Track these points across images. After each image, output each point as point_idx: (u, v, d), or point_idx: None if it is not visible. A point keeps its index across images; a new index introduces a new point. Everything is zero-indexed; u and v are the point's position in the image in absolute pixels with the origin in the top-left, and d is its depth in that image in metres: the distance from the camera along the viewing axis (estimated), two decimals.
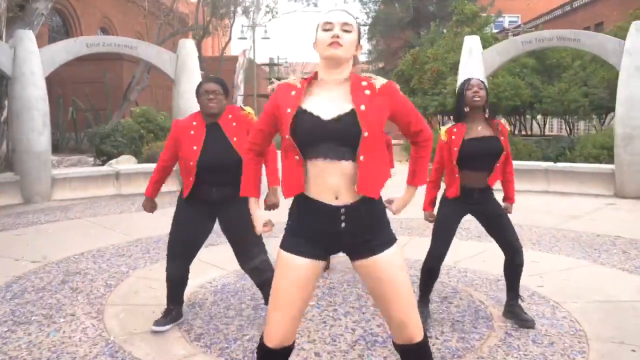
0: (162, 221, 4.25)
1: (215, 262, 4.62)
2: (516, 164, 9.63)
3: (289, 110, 1.85)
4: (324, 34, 1.88)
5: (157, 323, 3.23)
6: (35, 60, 8.50)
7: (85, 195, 8.94)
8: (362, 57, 35.56)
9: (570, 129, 21.21)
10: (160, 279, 3.96)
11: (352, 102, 1.84)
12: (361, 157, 1.79)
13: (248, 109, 3.22)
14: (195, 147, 3.04)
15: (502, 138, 3.17)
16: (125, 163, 11.46)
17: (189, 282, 3.41)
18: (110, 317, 3.47)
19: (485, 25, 18.55)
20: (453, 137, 3.14)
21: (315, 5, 48.50)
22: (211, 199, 3.10)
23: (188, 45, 9.76)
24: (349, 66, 1.92)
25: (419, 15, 28.83)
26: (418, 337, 1.89)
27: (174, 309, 3.31)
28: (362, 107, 1.82)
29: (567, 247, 5.28)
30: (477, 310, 3.51)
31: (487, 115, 3.22)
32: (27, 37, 8.54)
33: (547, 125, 25.77)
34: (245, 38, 23.86)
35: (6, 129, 10.89)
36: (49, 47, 8.96)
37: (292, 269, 1.85)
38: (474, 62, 9.67)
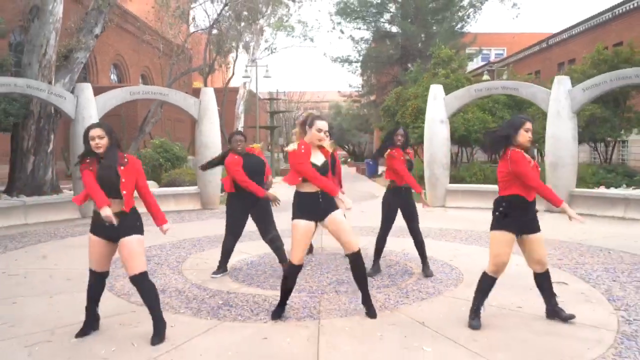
0: (194, 228, 6.56)
1: (245, 250, 6.96)
2: (472, 186, 12.08)
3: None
4: (317, 134, 4.12)
5: (214, 273, 5.63)
6: (92, 106, 10.96)
7: None
8: (354, 90, 38.28)
9: (540, 157, 23.74)
10: (209, 259, 6.34)
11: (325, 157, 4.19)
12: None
13: (256, 145, 5.70)
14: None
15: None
16: (150, 188, 13.74)
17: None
18: (187, 274, 5.82)
19: (460, 67, 21.09)
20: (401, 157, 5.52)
21: (312, 40, 51.40)
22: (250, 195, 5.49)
23: (209, 92, 12.23)
24: None
25: (407, 52, 31.52)
26: (356, 248, 4.20)
27: (223, 266, 5.69)
28: (328, 160, 4.19)
29: (483, 241, 7.64)
30: (406, 271, 5.87)
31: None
32: (87, 89, 11.03)
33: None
34: (249, 77, 26.45)
35: (52, 159, 13.31)
36: (102, 96, 11.38)
37: (301, 225, 4.16)
38: (438, 105, 12.16)
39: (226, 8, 23.87)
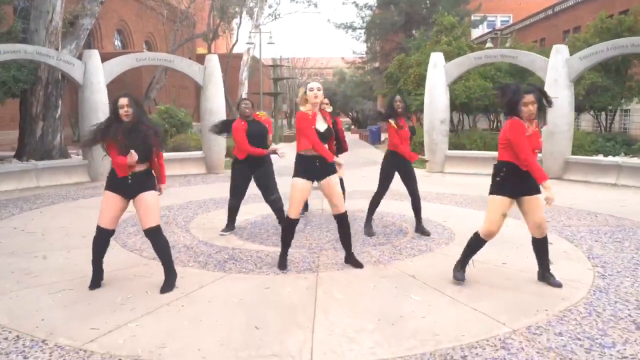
0: (200, 191, 6.87)
1: (250, 211, 7.31)
2: (470, 153, 12.35)
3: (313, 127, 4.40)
4: (310, 92, 4.40)
5: (223, 230, 5.99)
6: (100, 72, 11.19)
7: None
8: (358, 57, 38.13)
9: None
10: (215, 219, 6.70)
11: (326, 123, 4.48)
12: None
13: (262, 113, 6.00)
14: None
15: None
16: None
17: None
18: (195, 232, 6.19)
19: (463, 34, 21.08)
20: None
21: (315, 6, 50.82)
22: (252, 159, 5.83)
23: (213, 59, 12.41)
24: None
25: (411, 19, 31.32)
26: (342, 210, 4.57)
27: (230, 224, 6.05)
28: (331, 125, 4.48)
29: (476, 205, 7.98)
30: (401, 230, 6.22)
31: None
32: (95, 56, 11.25)
33: None
34: (252, 43, 26.45)
35: (60, 124, 13.60)
36: (109, 62, 11.58)
37: (299, 184, 4.49)
38: (438, 74, 12.33)
39: None
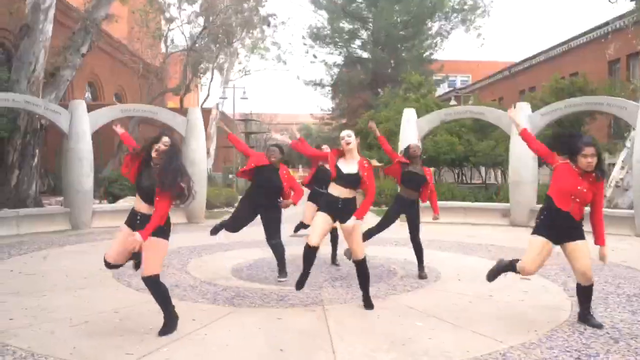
0: (186, 239, 7.17)
1: (240, 255, 7.60)
2: (443, 203, 12.99)
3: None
4: (341, 140, 4.78)
5: (213, 229, 6.33)
6: (85, 122, 11.48)
7: (117, 224, 11.70)
8: (326, 113, 39.30)
9: (504, 177, 25.07)
10: (209, 262, 6.98)
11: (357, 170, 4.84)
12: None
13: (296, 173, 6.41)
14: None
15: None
16: (126, 202, 13.77)
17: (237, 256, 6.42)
18: (194, 274, 6.43)
19: (429, 92, 22.31)
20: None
21: (285, 63, 52.34)
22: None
23: (196, 112, 12.89)
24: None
25: (377, 78, 32.80)
26: (361, 256, 4.85)
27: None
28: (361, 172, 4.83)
29: (454, 249, 8.48)
30: (390, 271, 6.62)
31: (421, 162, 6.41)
32: (81, 106, 11.57)
33: (487, 175, 29.69)
34: (226, 98, 27.14)
35: (36, 173, 13.67)
36: (95, 112, 11.88)
37: (322, 215, 4.83)
38: (411, 129, 13.09)
39: (205, 31, 24.55)
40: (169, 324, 4.14)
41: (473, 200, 15.24)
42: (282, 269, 6.15)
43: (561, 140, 4.31)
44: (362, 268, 4.90)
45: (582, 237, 4.21)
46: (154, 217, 3.94)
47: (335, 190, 4.75)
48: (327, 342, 3.90)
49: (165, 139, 4.08)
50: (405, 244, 8.01)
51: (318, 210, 4.88)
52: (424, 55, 33.53)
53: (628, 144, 12.98)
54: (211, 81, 30.03)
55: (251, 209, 6.19)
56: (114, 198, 15.65)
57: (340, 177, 4.71)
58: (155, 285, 4.11)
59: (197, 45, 26.31)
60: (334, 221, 4.83)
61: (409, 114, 13.33)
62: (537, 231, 4.26)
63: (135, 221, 4.20)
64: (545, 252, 4.24)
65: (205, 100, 30.52)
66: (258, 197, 6.10)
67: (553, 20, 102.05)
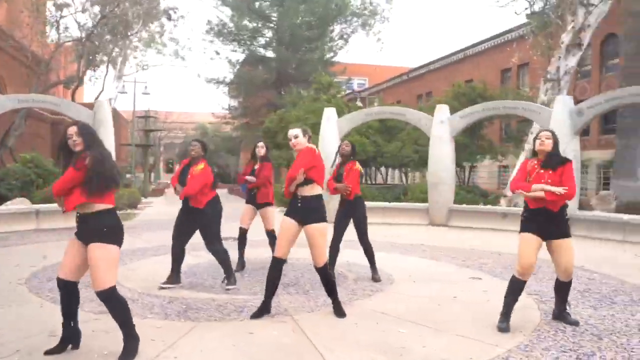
0: None
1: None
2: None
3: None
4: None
5: (164, 283, 5.61)
6: None
7: (10, 229, 10.42)
8: (228, 112, 38.41)
9: (406, 178, 25.93)
10: (138, 269, 6.31)
11: None
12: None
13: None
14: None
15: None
16: (20, 204, 12.43)
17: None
18: (126, 284, 5.74)
19: (338, 93, 22.50)
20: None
21: (183, 59, 50.49)
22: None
23: (105, 105, 11.85)
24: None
25: (281, 77, 32.57)
26: (322, 263, 4.50)
27: (175, 275, 5.70)
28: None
29: (390, 249, 8.44)
30: (340, 274, 6.38)
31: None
32: None
33: (389, 176, 30.61)
34: (125, 92, 25.49)
35: None
36: None
37: (284, 220, 4.46)
38: (331, 127, 12.99)
39: (103, 21, 22.87)
40: (130, 347, 3.52)
41: (382, 200, 15.48)
42: (229, 276, 5.68)
43: None
44: (324, 275, 4.59)
45: (567, 235, 4.23)
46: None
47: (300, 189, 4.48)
48: (317, 356, 3.55)
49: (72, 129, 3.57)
50: (343, 245, 7.84)
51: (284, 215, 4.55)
52: (327, 57, 33.85)
53: (526, 147, 13.85)
54: (106, 75, 28.07)
55: (184, 216, 5.68)
56: (0, 200, 13.99)
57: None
58: (112, 300, 3.50)
59: (93, 34, 24.48)
60: (298, 225, 4.49)
61: (329, 113, 13.21)
62: (523, 229, 4.30)
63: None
64: (534, 247, 4.28)
65: (99, 95, 28.52)
66: (184, 201, 5.63)
67: (449, 30, 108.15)
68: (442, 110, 12.27)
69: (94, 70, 28.11)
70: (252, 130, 33.17)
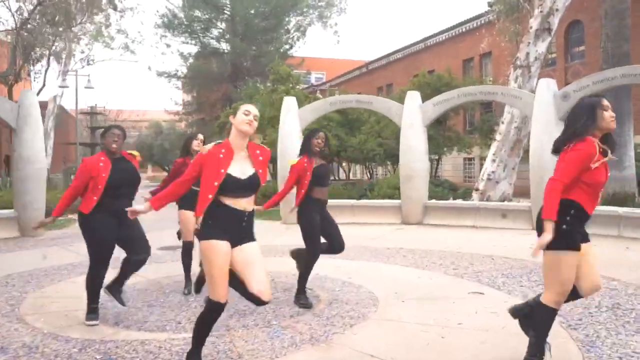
0: (19, 260, 5.08)
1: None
2: (331, 201, 11.78)
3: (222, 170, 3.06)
4: (244, 116, 3.15)
5: (88, 319, 4.24)
6: None
7: None
8: (182, 108, 36.60)
9: (370, 173, 24.89)
10: (56, 296, 4.92)
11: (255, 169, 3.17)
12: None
13: (135, 153, 4.56)
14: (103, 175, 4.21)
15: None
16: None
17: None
18: (31, 321, 4.35)
19: (297, 84, 21.22)
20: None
21: (133, 52, 48.25)
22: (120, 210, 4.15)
23: (30, 96, 10.21)
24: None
25: (236, 70, 31.06)
26: (269, 297, 3.17)
27: (95, 308, 4.34)
28: (260, 171, 3.21)
29: (366, 256, 7.27)
30: (309, 294, 5.13)
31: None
32: None
33: (351, 171, 29.53)
34: (67, 87, 23.49)
35: None
36: None
37: (218, 247, 3.13)
38: (292, 118, 11.71)
39: (38, 9, 20.90)
40: None
41: (346, 197, 14.36)
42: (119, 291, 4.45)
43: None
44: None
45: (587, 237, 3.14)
46: None
47: (238, 203, 3.13)
48: None
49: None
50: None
51: (206, 239, 3.13)
52: (284, 49, 32.54)
53: (498, 137, 12.97)
54: (47, 69, 25.93)
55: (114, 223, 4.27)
56: None
57: (239, 187, 3.11)
58: None
59: (28, 26, 22.42)
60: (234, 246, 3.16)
61: (289, 103, 11.94)
62: (566, 244, 2.96)
63: None
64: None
65: (40, 91, 26.35)
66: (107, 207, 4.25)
67: (409, 20, 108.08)
68: (414, 97, 11.15)
69: (33, 65, 26.01)
70: (207, 126, 31.56)
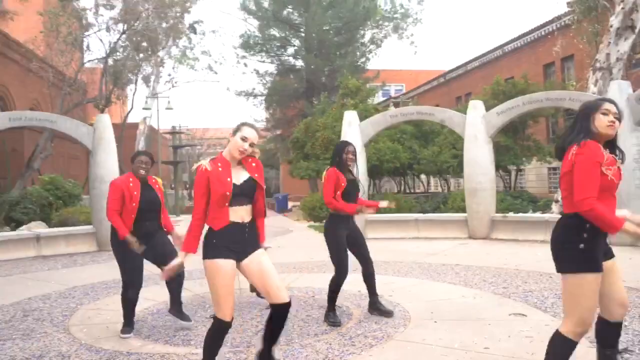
0: (89, 273, 5.40)
1: (149, 296, 5.84)
2: (392, 215, 11.62)
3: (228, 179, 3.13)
4: (240, 142, 3.17)
5: (123, 332, 4.46)
6: None
7: (6, 257, 9.60)
8: (260, 125, 37.62)
9: (448, 186, 24.26)
10: (104, 309, 5.19)
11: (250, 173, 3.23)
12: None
13: (158, 179, 4.75)
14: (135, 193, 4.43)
15: None
16: (38, 228, 11.87)
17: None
18: (75, 331, 4.63)
19: (367, 97, 21.17)
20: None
21: (216, 73, 50.35)
22: (147, 232, 4.44)
23: (104, 120, 10.94)
24: None
25: (312, 86, 31.48)
26: (287, 298, 3.18)
27: (130, 323, 4.55)
28: (256, 175, 3.28)
29: (417, 273, 7.07)
30: (343, 312, 5.07)
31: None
32: None
33: (426, 183, 28.94)
34: (149, 108, 24.97)
35: None
36: None
37: (222, 265, 3.19)
38: (353, 132, 11.69)
39: (123, 37, 22.40)
40: None
41: (420, 210, 14.07)
42: (175, 301, 4.74)
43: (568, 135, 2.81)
44: (284, 315, 3.26)
45: (612, 252, 2.86)
46: None
47: (236, 213, 3.17)
48: None
49: None
50: (356, 266, 6.52)
51: (210, 258, 3.14)
52: (358, 63, 32.60)
53: None
54: (134, 93, 27.67)
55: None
56: (16, 224, 13.36)
57: (236, 191, 3.14)
58: None
59: (117, 53, 24.09)
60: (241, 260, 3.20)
61: (350, 117, 11.95)
62: (582, 266, 2.69)
63: None
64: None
65: (128, 114, 28.16)
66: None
67: (484, 28, 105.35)
68: (476, 106, 10.78)
69: (122, 89, 27.86)
70: (285, 141, 32.20)
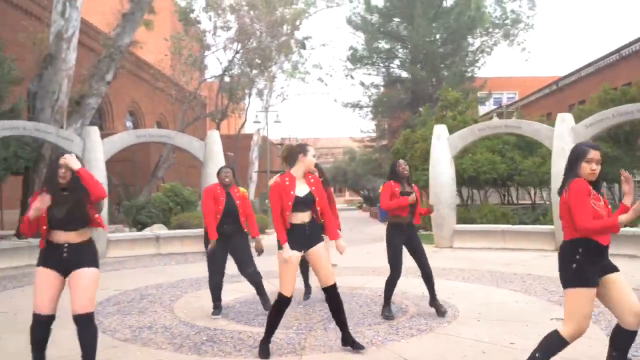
0: (196, 269, 6.48)
1: (241, 289, 6.87)
2: (479, 226, 11.89)
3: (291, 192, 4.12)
4: (313, 159, 4.22)
5: (213, 314, 5.51)
6: (99, 149, 11.14)
7: (132, 254, 11.29)
8: (366, 136, 38.48)
9: (550, 197, 23.45)
10: (203, 297, 6.28)
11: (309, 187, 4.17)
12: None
13: (243, 190, 5.71)
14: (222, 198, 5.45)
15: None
16: (158, 230, 13.57)
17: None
18: (177, 312, 5.74)
19: (467, 108, 21.21)
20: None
21: (326, 85, 51.96)
22: (226, 233, 5.43)
23: (214, 135, 12.38)
24: None
25: (417, 97, 31.80)
26: (331, 282, 4.15)
27: (219, 305, 5.58)
28: (313, 188, 4.16)
29: (485, 280, 7.47)
30: (401, 309, 5.72)
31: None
32: (94, 132, 11.26)
33: (536, 194, 28.01)
34: (259, 122, 26.86)
35: None
36: (109, 139, 11.59)
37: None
38: (442, 145, 12.14)
39: (237, 55, 24.40)
40: None
41: (517, 222, 14.04)
42: (261, 292, 5.65)
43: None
44: (335, 296, 4.20)
45: (617, 268, 3.28)
46: None
47: (299, 217, 4.16)
48: None
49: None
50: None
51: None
52: (466, 72, 32.39)
53: None
54: (248, 107, 29.85)
55: (222, 242, 5.51)
56: (142, 226, 15.33)
57: (299, 202, 4.13)
58: (93, 327, 3.45)
59: (232, 70, 26.22)
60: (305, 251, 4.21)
61: (439, 130, 12.41)
62: (574, 282, 3.19)
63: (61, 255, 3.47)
64: (592, 303, 3.25)
65: (242, 126, 30.37)
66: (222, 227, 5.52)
67: (600, 31, 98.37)
68: (565, 119, 10.77)
69: (237, 103, 30.18)
70: (388, 152, 32.80)
